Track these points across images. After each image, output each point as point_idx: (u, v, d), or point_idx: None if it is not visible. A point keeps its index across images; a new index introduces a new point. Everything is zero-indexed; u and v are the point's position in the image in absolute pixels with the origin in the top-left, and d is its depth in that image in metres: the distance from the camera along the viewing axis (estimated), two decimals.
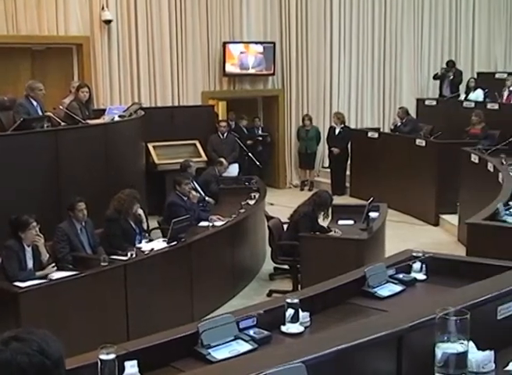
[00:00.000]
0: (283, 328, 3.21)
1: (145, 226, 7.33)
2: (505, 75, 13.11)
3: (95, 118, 8.79)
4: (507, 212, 5.90)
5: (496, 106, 11.65)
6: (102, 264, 5.94)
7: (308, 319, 3.29)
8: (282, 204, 10.67)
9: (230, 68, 12.81)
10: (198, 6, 12.41)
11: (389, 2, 14.37)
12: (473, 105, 12.04)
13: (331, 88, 13.99)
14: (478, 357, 1.73)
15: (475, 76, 14.12)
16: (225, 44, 12.68)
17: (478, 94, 12.85)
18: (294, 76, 13.68)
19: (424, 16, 14.83)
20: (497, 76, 13.61)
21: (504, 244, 5.25)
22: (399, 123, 12.47)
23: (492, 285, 2.10)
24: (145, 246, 6.78)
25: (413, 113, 13.18)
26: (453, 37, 15.27)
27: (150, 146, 10.89)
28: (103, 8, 11.31)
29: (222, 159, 10.24)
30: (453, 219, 9.88)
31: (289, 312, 3.21)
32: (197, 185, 9.03)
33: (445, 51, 15.10)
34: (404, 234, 9.46)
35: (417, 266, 4.01)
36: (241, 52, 12.90)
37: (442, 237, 9.79)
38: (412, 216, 10.81)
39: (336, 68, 13.98)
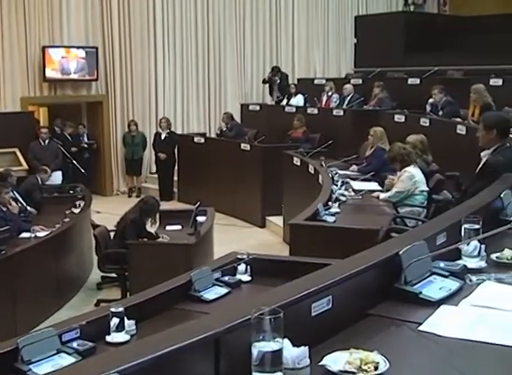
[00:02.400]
0: (108, 338, 3.14)
1: None
2: (323, 81, 13.70)
3: None
4: (327, 212, 6.13)
5: (316, 111, 12.16)
6: None
7: (134, 327, 3.24)
8: (109, 211, 10.48)
9: (51, 73, 12.43)
10: (15, 8, 11.92)
11: (212, 9, 14.57)
12: (294, 109, 12.48)
13: (156, 93, 13.95)
14: (293, 353, 1.78)
15: (296, 82, 14.65)
16: (44, 48, 12.28)
17: (298, 100, 13.33)
18: (118, 81, 13.51)
19: (245, 25, 15.19)
20: (316, 82, 14.19)
21: (324, 243, 5.47)
22: (224, 128, 12.69)
23: (306, 283, 2.17)
24: None
25: (237, 118, 13.45)
26: (274, 45, 15.76)
27: None
28: None
29: (45, 167, 9.90)
30: (278, 220, 10.18)
31: (114, 321, 3.14)
32: (17, 195, 8.65)
33: (266, 58, 15.56)
34: (232, 237, 9.61)
35: (241, 267, 4.07)
36: (62, 57, 12.56)
37: (268, 239, 10.05)
38: (239, 219, 11.01)
39: (161, 73, 13.97)
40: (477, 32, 15.68)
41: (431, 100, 10.18)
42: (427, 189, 6.80)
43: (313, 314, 2.06)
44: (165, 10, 13.96)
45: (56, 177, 11.08)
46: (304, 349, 1.82)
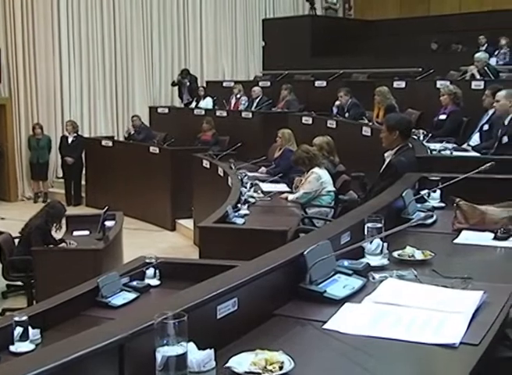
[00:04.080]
0: (12, 348, 3.05)
1: None
2: (232, 83, 13.76)
3: None
4: (236, 214, 6.15)
5: (225, 113, 12.18)
6: None
7: (39, 336, 3.16)
8: (14, 218, 10.18)
9: None
10: None
11: (118, 10, 14.41)
12: (203, 112, 12.46)
13: (62, 96, 13.67)
14: (198, 357, 1.78)
15: (204, 84, 14.65)
16: None
17: (207, 102, 13.35)
18: (22, 83, 13.16)
19: (153, 27, 15.10)
20: (225, 84, 14.24)
21: (234, 245, 5.47)
22: (132, 131, 12.56)
23: (211, 285, 2.17)
24: None
25: (146, 121, 13.33)
26: (182, 48, 15.72)
27: None
28: None
29: None
30: (188, 223, 10.15)
31: (18, 330, 3.06)
32: None
33: (175, 61, 15.50)
34: (142, 241, 9.50)
35: (150, 272, 4.03)
36: None
37: (179, 242, 10.00)
38: (150, 223, 10.90)
39: (67, 76, 13.69)
40: (381, 35, 16.16)
41: (337, 102, 10.37)
42: (334, 189, 6.92)
43: (218, 316, 2.06)
44: (70, 11, 13.70)
45: None
46: (210, 352, 1.82)
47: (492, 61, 11.94)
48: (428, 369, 2.02)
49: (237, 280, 2.19)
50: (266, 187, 7.57)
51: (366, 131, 8.59)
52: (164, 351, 1.68)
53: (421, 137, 7.33)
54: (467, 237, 3.37)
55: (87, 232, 7.81)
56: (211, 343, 1.87)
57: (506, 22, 14.00)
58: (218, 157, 9.66)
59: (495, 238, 3.30)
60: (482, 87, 8.51)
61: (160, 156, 10.95)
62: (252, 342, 2.02)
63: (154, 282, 4.01)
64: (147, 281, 4.01)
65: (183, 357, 1.70)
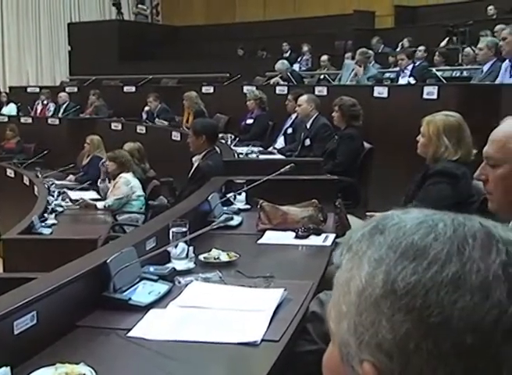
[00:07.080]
0: None
1: None
2: (37, 89, 13.30)
3: None
4: (43, 224, 5.93)
5: (30, 120, 11.74)
6: None
7: None
8: None
9: None
10: None
11: None
12: (6, 119, 11.93)
13: None
14: None
15: (7, 90, 14.03)
16: None
17: (10, 109, 12.79)
18: None
19: None
20: (29, 90, 13.72)
21: (41, 256, 5.26)
22: None
23: (8, 299, 2.07)
24: None
25: None
26: None
27: None
28: None
29: None
30: None
31: None
32: None
33: None
34: None
35: None
36: None
37: None
38: None
39: None
40: (189, 41, 16.35)
41: (146, 108, 10.34)
42: (143, 194, 6.88)
43: (16, 332, 1.97)
44: None
45: None
46: (5, 370, 1.74)
47: (296, 67, 12.46)
48: (230, 367, 2.07)
49: (36, 292, 2.10)
50: (75, 195, 7.37)
51: (176, 136, 8.64)
52: None
53: (229, 141, 7.49)
54: (270, 237, 3.49)
55: None
56: (8, 360, 1.78)
57: (307, 29, 14.71)
58: (23, 165, 9.28)
59: (296, 237, 3.44)
60: (286, 92, 8.82)
61: None
62: (53, 356, 1.95)
63: None
64: None
65: None
